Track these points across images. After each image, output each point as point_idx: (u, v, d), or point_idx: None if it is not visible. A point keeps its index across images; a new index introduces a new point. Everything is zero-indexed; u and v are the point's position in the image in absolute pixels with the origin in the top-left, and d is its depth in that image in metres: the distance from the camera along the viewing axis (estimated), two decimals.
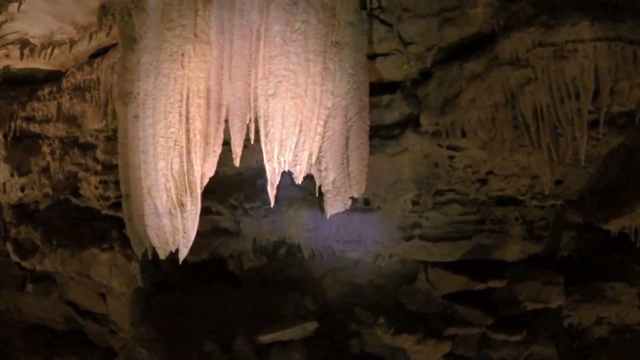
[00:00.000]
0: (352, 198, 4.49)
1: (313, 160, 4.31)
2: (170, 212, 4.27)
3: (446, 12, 4.63)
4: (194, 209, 4.24)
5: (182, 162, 4.15)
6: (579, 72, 4.16)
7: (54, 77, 6.44)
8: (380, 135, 5.03)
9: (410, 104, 5.03)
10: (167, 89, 4.12)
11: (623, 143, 4.78)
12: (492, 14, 4.55)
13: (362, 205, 5.26)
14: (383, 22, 4.77)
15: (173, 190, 4.16)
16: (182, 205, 4.23)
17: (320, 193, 4.53)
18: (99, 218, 6.65)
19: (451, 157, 5.03)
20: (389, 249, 5.45)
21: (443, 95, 4.72)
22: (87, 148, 6.40)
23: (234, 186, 5.74)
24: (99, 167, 6.29)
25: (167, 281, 5.97)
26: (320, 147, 4.33)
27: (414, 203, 5.20)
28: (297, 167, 4.27)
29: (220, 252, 5.77)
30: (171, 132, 4.11)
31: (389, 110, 5.08)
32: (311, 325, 5.21)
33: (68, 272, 6.64)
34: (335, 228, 5.33)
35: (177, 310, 5.52)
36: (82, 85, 6.13)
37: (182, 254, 4.36)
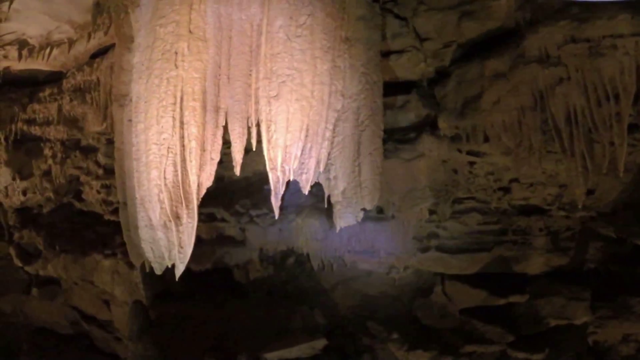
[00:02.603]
0: (363, 209, 3.82)
1: (321, 168, 3.67)
2: (165, 225, 3.64)
3: (465, 4, 3.98)
4: (190, 221, 3.59)
5: (176, 171, 3.50)
6: (618, 71, 3.51)
7: (54, 78, 5.89)
8: (394, 138, 4.39)
9: (426, 105, 4.38)
10: (159, 91, 3.48)
11: None
12: (517, 7, 3.86)
13: (376, 214, 4.62)
14: (397, 16, 4.12)
15: (167, 202, 3.52)
16: (177, 217, 3.60)
17: (329, 203, 3.86)
18: (102, 223, 6.06)
19: (471, 164, 4.37)
20: (403, 261, 4.81)
21: (462, 96, 4.07)
22: (88, 151, 5.84)
23: (239, 192, 5.12)
24: (100, 171, 5.72)
25: (169, 290, 5.35)
26: (329, 154, 3.68)
27: (431, 212, 4.53)
28: (304, 175, 3.63)
29: (225, 262, 5.16)
30: (164, 139, 3.47)
31: (404, 112, 4.43)
32: (320, 343, 4.55)
33: (71, 278, 6.07)
34: (347, 238, 4.69)
35: (178, 323, 4.91)
36: (82, 86, 5.58)
37: (179, 270, 3.73)
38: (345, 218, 3.83)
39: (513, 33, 3.90)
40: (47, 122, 5.79)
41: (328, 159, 3.69)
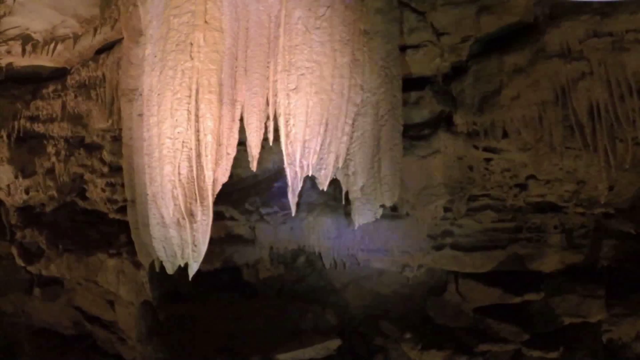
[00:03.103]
0: (382, 206, 3.62)
1: (340, 164, 3.46)
2: (178, 223, 3.39)
3: None
4: (205, 219, 3.35)
5: (191, 166, 3.25)
6: None
7: (58, 74, 5.63)
8: (408, 135, 4.19)
9: (441, 101, 4.20)
10: (173, 83, 3.22)
11: None
12: (535, 1, 3.69)
13: (390, 212, 4.39)
14: (414, 10, 3.92)
15: (181, 198, 3.28)
16: (191, 215, 3.36)
17: (347, 200, 3.66)
18: (106, 222, 5.81)
19: (487, 160, 4.18)
20: (417, 259, 4.61)
21: (481, 92, 3.89)
22: (93, 149, 5.58)
23: (248, 189, 4.90)
24: (105, 169, 5.46)
25: (177, 290, 5.11)
26: (347, 149, 3.47)
27: (446, 209, 4.33)
28: (322, 171, 3.43)
29: (235, 261, 4.91)
30: (178, 132, 3.22)
31: (418, 108, 4.25)
32: (334, 343, 4.34)
33: (74, 278, 5.80)
34: (360, 236, 4.48)
35: (188, 324, 4.67)
36: (87, 82, 5.33)
37: (192, 270, 3.50)
38: (364, 215, 3.63)
39: (531, 27, 3.73)
40: (51, 119, 5.52)
41: (347, 154, 3.50)
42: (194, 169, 3.26)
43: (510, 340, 4.31)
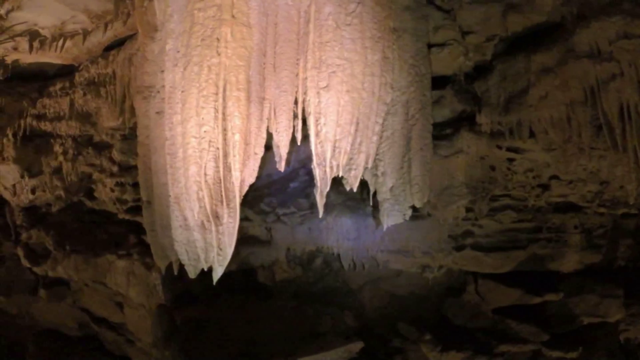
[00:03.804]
0: (412, 207, 3.41)
1: (369, 164, 3.23)
2: (203, 226, 3.14)
3: None
4: (231, 221, 3.10)
5: (217, 166, 3.00)
6: None
7: (65, 71, 5.33)
8: None
9: (462, 100, 4.01)
10: (199, 80, 2.97)
11: None
12: (562, 1, 3.50)
13: (411, 212, 4.17)
14: (439, 8, 3.70)
15: (207, 200, 3.03)
16: (217, 217, 3.11)
17: (370, 200, 3.44)
18: (114, 222, 5.51)
19: (510, 160, 3.99)
20: (438, 260, 4.41)
21: (507, 91, 3.70)
22: (102, 147, 5.26)
23: (262, 189, 4.64)
24: (115, 168, 5.15)
25: (190, 292, 4.83)
26: (377, 149, 3.25)
27: (467, 210, 4.13)
28: (352, 172, 3.21)
29: (250, 262, 4.65)
30: (205, 131, 2.97)
31: (439, 107, 4.05)
32: (356, 346, 4.11)
33: (82, 279, 5.48)
34: (380, 237, 4.26)
35: (203, 328, 4.40)
36: (96, 79, 5.02)
37: (217, 274, 3.25)
38: (393, 216, 3.41)
39: (558, 27, 3.55)
40: (58, 118, 5.20)
41: (376, 154, 3.28)
42: (221, 169, 3.02)
43: (530, 340, 4.14)
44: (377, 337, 4.44)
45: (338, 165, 3.13)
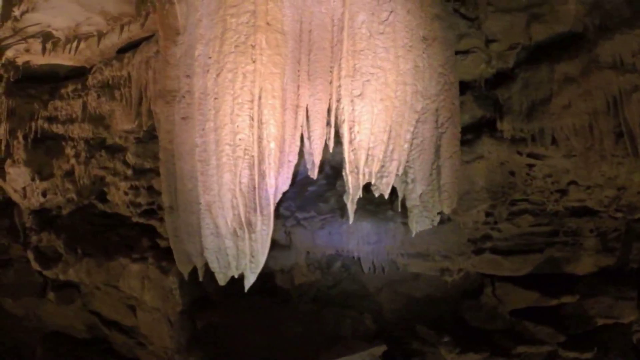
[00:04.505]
0: (440, 213, 3.41)
1: (400, 172, 3.22)
2: (235, 233, 3.10)
3: (533, 8, 3.61)
4: (265, 229, 3.07)
5: (252, 174, 2.96)
6: None
7: (76, 73, 5.21)
8: None
9: (482, 106, 4.01)
10: (233, 87, 2.92)
11: None
12: (585, 12, 3.53)
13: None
14: (464, 16, 3.70)
15: (241, 208, 2.99)
16: (249, 224, 3.07)
17: (403, 207, 3.44)
18: (126, 225, 5.41)
19: (530, 166, 4.01)
20: (458, 263, 4.42)
21: (529, 99, 3.73)
22: (115, 150, 5.17)
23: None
24: (129, 172, 5.07)
25: (207, 297, 4.76)
26: (407, 156, 3.25)
27: (487, 214, 4.15)
28: (384, 179, 3.19)
29: (269, 266, 4.61)
30: (240, 139, 2.93)
31: None
32: (379, 349, 4.10)
33: (94, 282, 5.39)
34: (400, 241, 4.25)
35: (224, 333, 4.34)
36: (110, 82, 4.91)
37: (249, 281, 3.22)
38: (422, 222, 3.41)
39: (580, 37, 3.58)
40: (71, 120, 5.09)
41: (406, 161, 3.27)
42: (256, 177, 2.98)
43: (547, 341, 4.19)
44: (395, 340, 4.44)
45: (370, 173, 3.11)
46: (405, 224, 4.07)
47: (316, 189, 4.40)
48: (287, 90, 2.98)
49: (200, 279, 3.67)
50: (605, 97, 3.40)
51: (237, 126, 2.92)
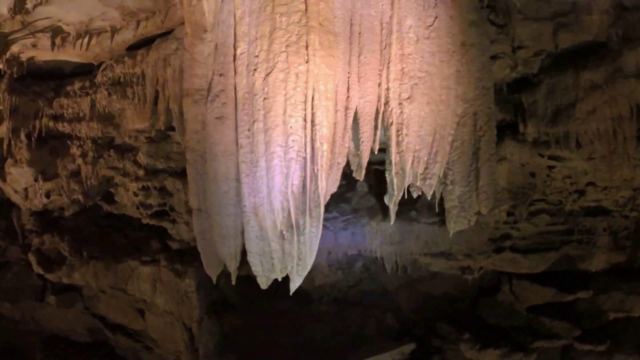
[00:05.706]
0: (477, 213, 3.49)
1: (441, 174, 3.28)
2: (282, 236, 3.06)
3: (560, 16, 3.74)
4: (314, 231, 3.03)
5: (303, 176, 2.93)
6: None
7: (82, 70, 4.96)
8: None
9: (503, 109, 4.12)
10: (286, 87, 2.87)
11: None
12: (609, 22, 3.70)
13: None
14: (493, 22, 3.79)
15: (293, 210, 2.95)
16: (298, 227, 3.03)
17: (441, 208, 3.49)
18: (133, 227, 5.23)
19: (550, 167, 4.16)
20: (479, 262, 4.52)
21: (554, 104, 3.87)
22: (124, 150, 4.98)
23: None
24: (140, 172, 4.89)
25: (224, 299, 4.66)
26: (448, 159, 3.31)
27: (508, 214, 4.28)
28: (427, 181, 3.24)
29: None
30: (293, 141, 2.88)
31: None
32: (409, 348, 4.15)
33: (100, 286, 5.18)
34: (424, 241, 4.30)
35: (251, 336, 4.26)
36: (121, 80, 4.70)
37: (295, 284, 3.17)
38: (460, 222, 3.48)
39: (603, 46, 3.75)
40: (78, 119, 4.86)
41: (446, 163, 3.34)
42: (307, 179, 2.96)
43: (563, 336, 4.36)
44: (415, 338, 4.51)
45: (416, 175, 3.16)
46: (429, 224, 4.13)
47: (337, 190, 4.39)
48: (339, 92, 2.97)
49: (233, 282, 3.59)
50: (629, 103, 3.57)
51: (290, 127, 2.88)
